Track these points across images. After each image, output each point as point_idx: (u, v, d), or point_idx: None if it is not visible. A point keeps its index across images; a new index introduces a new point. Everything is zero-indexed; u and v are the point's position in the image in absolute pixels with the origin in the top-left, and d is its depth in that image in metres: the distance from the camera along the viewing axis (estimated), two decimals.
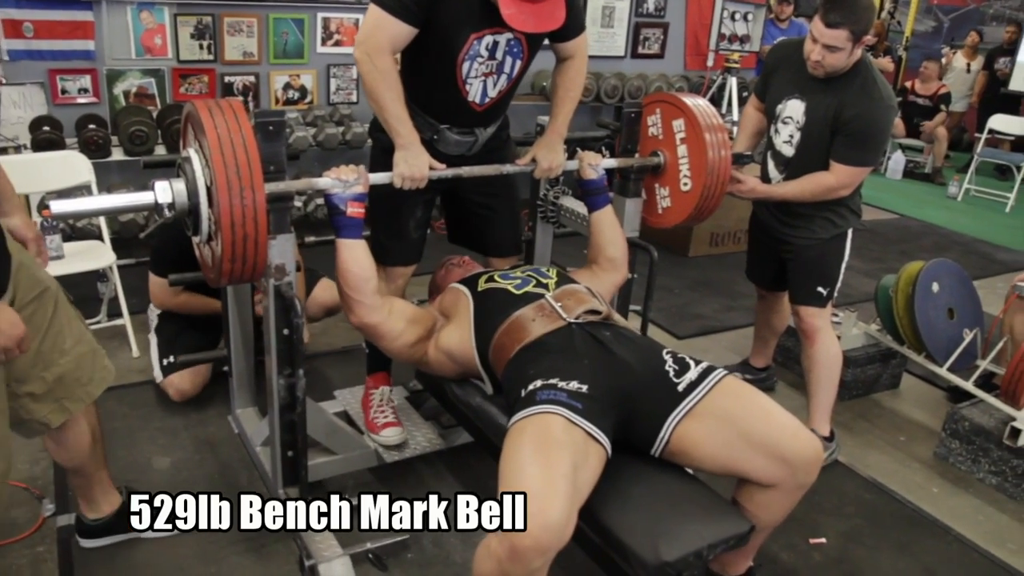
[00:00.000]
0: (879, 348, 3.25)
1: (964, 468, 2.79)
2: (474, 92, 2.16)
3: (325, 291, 3.00)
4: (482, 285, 2.08)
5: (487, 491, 2.38)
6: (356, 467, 2.38)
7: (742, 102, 5.50)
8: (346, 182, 1.93)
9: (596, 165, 2.31)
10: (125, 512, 2.13)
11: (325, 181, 1.93)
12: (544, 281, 2.05)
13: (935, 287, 3.02)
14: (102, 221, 3.31)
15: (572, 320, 1.90)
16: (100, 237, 3.27)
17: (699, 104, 2.35)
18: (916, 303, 2.96)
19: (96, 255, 3.14)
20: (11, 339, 1.55)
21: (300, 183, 1.94)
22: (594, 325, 1.91)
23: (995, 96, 8.16)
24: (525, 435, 1.59)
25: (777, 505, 1.78)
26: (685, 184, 2.39)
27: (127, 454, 2.52)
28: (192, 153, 1.72)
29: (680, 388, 1.76)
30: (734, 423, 1.71)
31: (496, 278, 2.09)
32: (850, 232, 2.69)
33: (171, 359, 2.75)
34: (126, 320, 3.12)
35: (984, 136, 7.29)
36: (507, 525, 1.45)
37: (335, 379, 2.94)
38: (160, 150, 3.87)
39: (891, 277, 3.15)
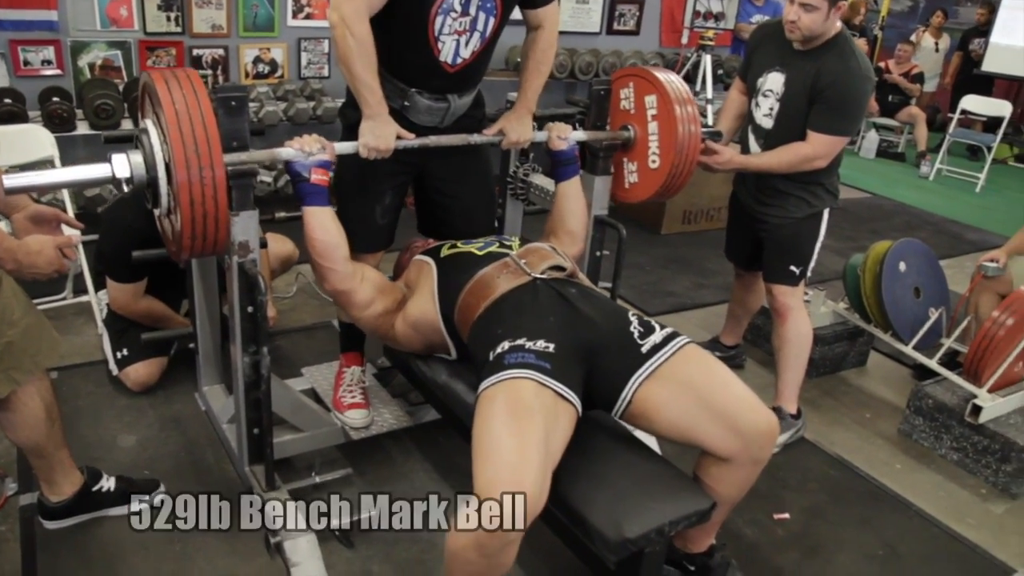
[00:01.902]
0: (847, 326, 3.28)
1: (927, 444, 2.84)
2: (446, 51, 2.09)
3: (276, 243, 2.96)
4: (445, 252, 2.09)
5: (455, 467, 2.41)
6: (323, 444, 2.37)
7: (716, 80, 5.49)
8: (308, 153, 1.90)
9: (566, 136, 2.30)
10: (87, 492, 2.11)
11: (288, 151, 1.91)
12: (507, 243, 2.06)
13: (902, 266, 3.05)
14: (66, 196, 3.25)
15: (537, 275, 1.90)
16: (64, 212, 3.21)
17: (672, 81, 2.33)
18: (883, 282, 2.99)
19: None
20: None
21: (262, 154, 1.90)
22: (559, 282, 1.91)
23: (968, 77, 8.23)
24: (496, 403, 1.60)
25: (735, 479, 1.79)
26: (653, 161, 2.38)
27: (92, 432, 2.49)
28: (150, 125, 1.67)
29: (644, 349, 1.76)
30: (695, 390, 1.72)
31: (459, 244, 2.10)
32: (826, 213, 2.69)
33: (124, 352, 2.70)
34: (91, 296, 3.07)
35: (957, 116, 7.35)
36: (483, 496, 1.46)
37: (303, 356, 2.92)
38: (127, 124, 3.80)
39: (859, 256, 3.18)
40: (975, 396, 2.69)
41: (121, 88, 3.93)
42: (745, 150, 2.75)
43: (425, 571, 2.05)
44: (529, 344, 1.69)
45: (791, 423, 2.73)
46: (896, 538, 2.35)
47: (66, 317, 3.15)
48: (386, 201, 2.31)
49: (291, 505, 2.15)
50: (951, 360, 3.05)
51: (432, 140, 2.16)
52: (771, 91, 2.60)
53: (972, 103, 7.29)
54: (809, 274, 2.74)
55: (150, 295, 2.71)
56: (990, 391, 2.69)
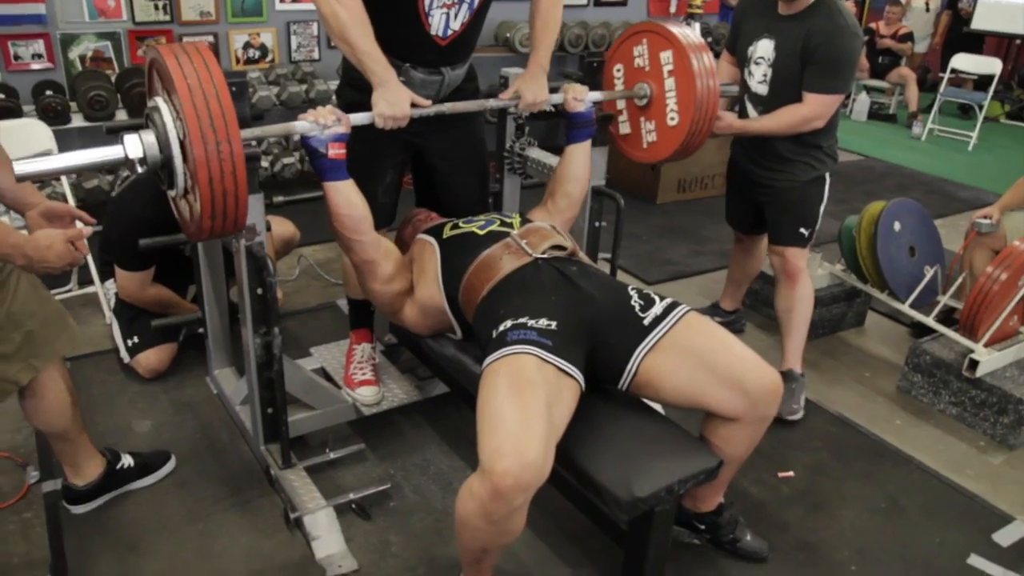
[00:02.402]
0: (844, 288, 3.32)
1: (926, 400, 2.89)
2: (436, 24, 2.12)
3: (278, 225, 2.98)
4: (447, 232, 2.11)
5: (464, 439, 2.46)
6: (335, 421, 2.42)
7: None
8: (324, 125, 1.88)
9: (583, 97, 2.28)
10: (112, 471, 2.18)
11: (303, 125, 1.87)
12: (508, 221, 2.09)
13: (897, 226, 3.09)
14: (67, 189, 3.28)
15: (538, 256, 1.93)
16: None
17: (687, 35, 2.28)
18: (878, 242, 3.03)
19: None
20: None
21: (277, 128, 1.89)
22: (560, 260, 1.95)
23: (958, 36, 8.23)
24: (499, 377, 1.63)
25: (741, 438, 1.84)
26: (672, 119, 2.35)
27: (107, 419, 2.54)
28: (160, 103, 1.61)
29: (646, 322, 1.81)
30: (698, 355, 1.77)
31: (460, 224, 2.12)
32: (828, 176, 2.73)
33: (135, 340, 2.73)
34: (97, 287, 3.11)
35: (947, 76, 7.36)
36: (487, 466, 1.50)
37: (310, 337, 2.96)
38: (121, 115, 3.81)
39: (854, 218, 3.22)
40: (972, 351, 2.74)
41: (113, 79, 3.93)
42: (743, 117, 2.78)
43: (441, 540, 2.10)
44: (532, 322, 1.72)
45: (802, 382, 2.78)
46: (898, 491, 2.41)
47: (73, 308, 3.17)
48: (387, 180, 2.36)
49: (308, 481, 2.21)
50: (947, 317, 3.10)
51: (448, 107, 2.15)
52: (763, 58, 2.63)
53: (962, 62, 7.30)
54: (815, 237, 2.78)
55: (158, 282, 2.74)
56: (986, 345, 2.74)
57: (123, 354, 2.76)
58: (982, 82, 7.55)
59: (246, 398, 2.33)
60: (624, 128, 2.52)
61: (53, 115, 3.62)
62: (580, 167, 2.32)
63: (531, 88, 2.24)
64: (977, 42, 8.16)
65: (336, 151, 1.90)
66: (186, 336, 2.86)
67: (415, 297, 2.11)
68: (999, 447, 2.67)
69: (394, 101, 1.99)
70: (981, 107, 7.16)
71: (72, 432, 2.04)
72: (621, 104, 2.50)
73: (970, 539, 2.23)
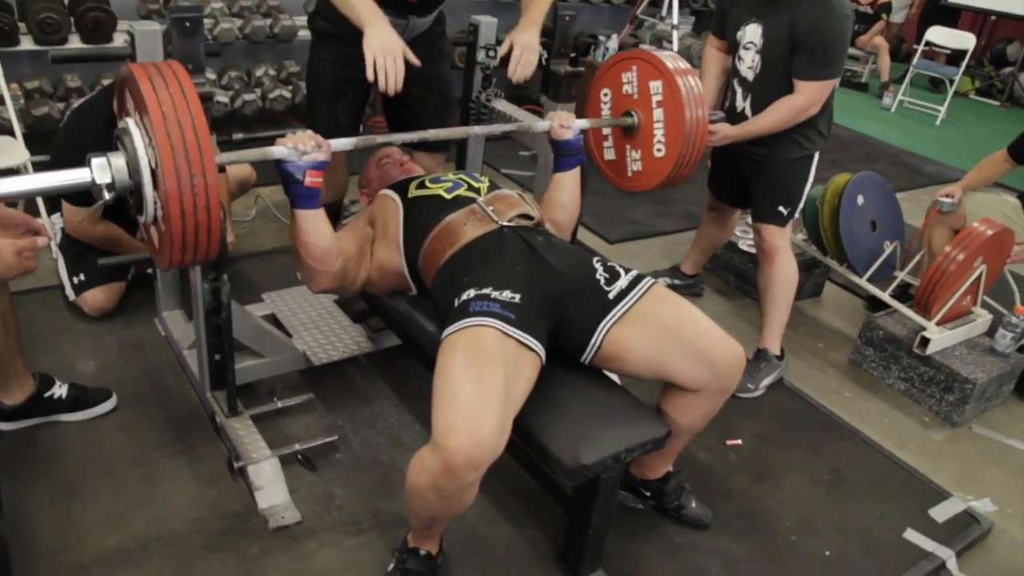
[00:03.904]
0: (804, 257, 3.33)
1: (876, 374, 2.93)
2: None
3: (233, 166, 2.91)
4: (412, 192, 2.05)
5: (415, 393, 2.44)
6: (285, 370, 2.38)
7: (683, 4, 5.42)
8: (303, 151, 1.72)
9: (569, 125, 2.15)
10: (39, 398, 2.16)
11: (280, 150, 1.72)
12: (476, 185, 2.03)
13: (860, 200, 3.10)
14: (12, 115, 3.14)
15: (504, 223, 1.89)
16: (12, 133, 3.11)
17: (680, 67, 2.19)
18: (841, 215, 3.04)
19: (8, 152, 2.98)
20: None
21: (252, 153, 1.74)
22: (526, 230, 1.90)
23: (935, 8, 8.21)
24: (458, 349, 1.59)
25: (699, 409, 1.85)
26: (659, 150, 2.26)
27: (50, 358, 2.47)
28: (131, 125, 1.48)
29: (611, 296, 1.79)
30: (664, 327, 1.76)
31: (427, 183, 2.05)
32: (816, 155, 2.69)
33: (81, 277, 2.64)
34: (44, 220, 3.00)
35: (921, 48, 7.36)
36: (440, 441, 1.47)
37: (264, 281, 2.90)
38: (74, 40, 3.64)
39: (819, 188, 3.21)
40: (924, 328, 2.78)
41: (66, 1, 3.75)
42: (732, 103, 2.72)
43: (387, 494, 2.09)
44: (495, 294, 1.68)
45: (775, 364, 2.77)
46: (842, 464, 2.45)
47: None
48: (347, 99, 2.48)
49: (253, 430, 2.17)
50: (903, 292, 3.13)
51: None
52: (752, 43, 2.56)
53: (937, 35, 7.30)
54: (797, 215, 2.75)
55: (106, 219, 2.65)
56: (939, 324, 2.77)
57: (68, 291, 2.68)
58: (955, 56, 7.56)
59: (194, 343, 2.28)
60: (609, 154, 2.43)
61: (0, 36, 3.45)
62: (569, 196, 2.20)
63: (520, 39, 2.25)
64: (953, 16, 8.16)
65: (313, 179, 1.76)
66: (135, 275, 2.79)
67: (377, 261, 2.05)
68: (942, 424, 2.72)
69: (388, 48, 2.03)
70: (952, 81, 7.19)
71: (3, 357, 2.01)
72: (607, 130, 2.40)
73: (907, 513, 2.27)
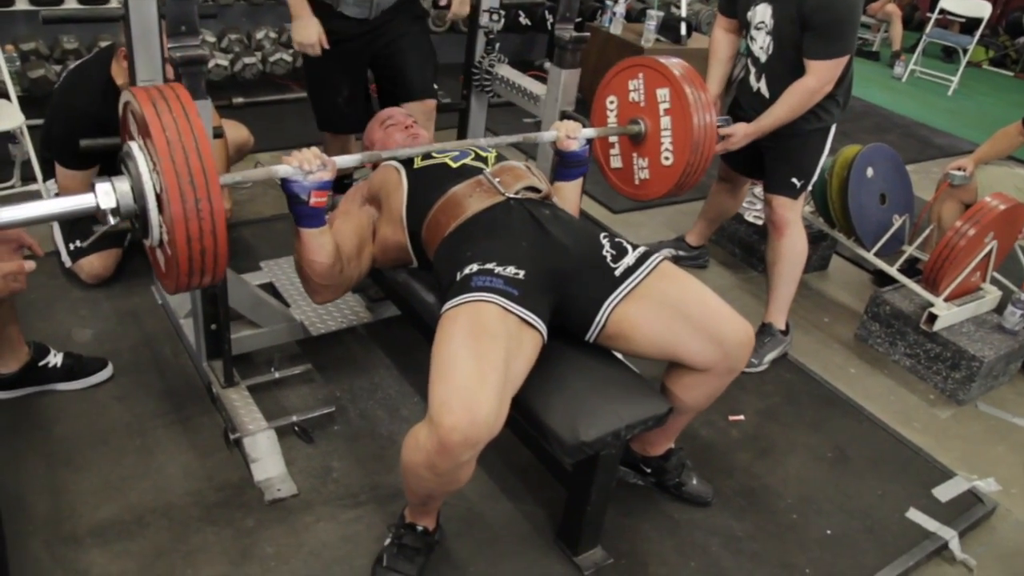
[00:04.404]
0: (811, 230, 3.26)
1: (882, 350, 2.89)
2: None
3: (231, 130, 2.89)
4: (418, 163, 1.98)
5: (414, 364, 2.41)
6: (282, 340, 2.35)
7: None
8: (308, 171, 1.67)
9: (576, 135, 2.07)
10: (33, 366, 2.13)
11: (286, 169, 1.68)
12: (483, 155, 1.98)
13: (870, 172, 3.04)
14: (7, 78, 3.08)
15: (511, 195, 1.84)
16: (7, 96, 3.05)
17: (686, 74, 2.13)
18: (850, 188, 2.98)
19: (4, 116, 2.93)
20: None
21: (258, 173, 1.72)
22: (532, 203, 1.85)
23: None
24: (457, 324, 1.56)
25: (705, 388, 1.81)
26: (667, 159, 2.21)
27: (46, 325, 2.44)
28: (135, 149, 1.45)
29: (617, 273, 1.74)
30: (673, 305, 1.72)
31: (433, 153, 1.99)
32: (833, 128, 2.63)
33: (77, 244, 2.59)
34: (40, 185, 2.96)
35: (935, 16, 7.22)
36: (435, 418, 1.44)
37: (262, 249, 2.87)
38: (71, 2, 3.58)
39: (827, 160, 3.14)
40: (931, 304, 2.73)
41: None
42: (746, 84, 2.66)
43: (384, 467, 2.07)
44: (499, 269, 1.64)
45: (779, 339, 2.73)
46: (845, 441, 2.42)
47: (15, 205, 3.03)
48: (344, 93, 2.70)
49: (250, 401, 2.15)
50: (911, 267, 3.08)
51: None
52: (762, 23, 2.49)
53: (951, 3, 7.16)
54: (810, 188, 2.69)
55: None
56: (947, 300, 2.73)
57: (64, 258, 2.64)
58: (969, 25, 7.42)
59: (190, 311, 2.25)
60: (616, 162, 2.36)
61: None
62: (571, 205, 2.13)
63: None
64: None
65: (317, 199, 1.71)
66: (132, 241, 2.75)
67: (379, 239, 2.00)
68: (948, 401, 2.69)
69: (302, 40, 2.50)
70: (965, 51, 7.07)
71: None
72: (614, 137, 2.34)
73: (910, 492, 2.25)
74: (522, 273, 1.65)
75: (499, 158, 2.00)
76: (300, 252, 1.80)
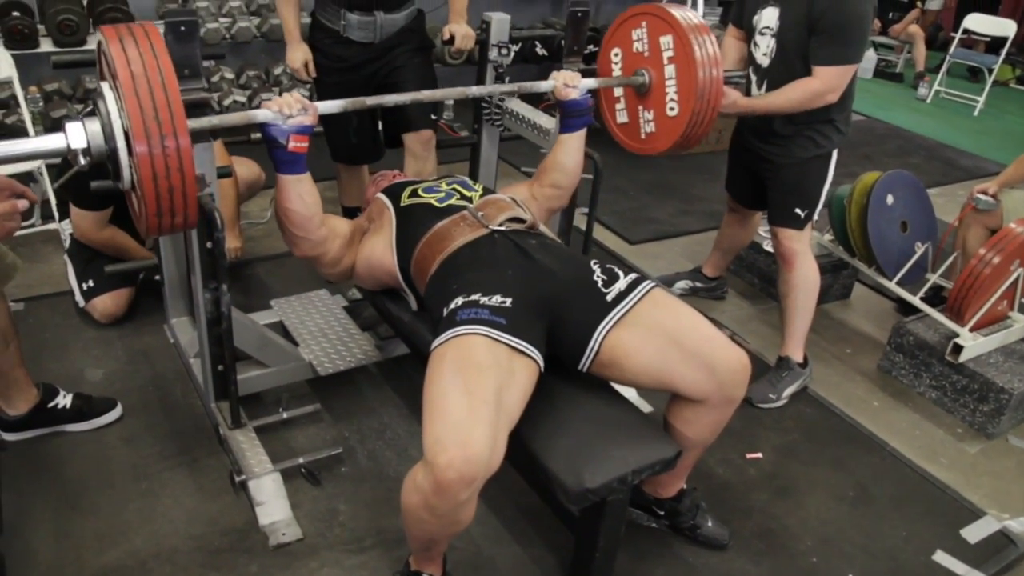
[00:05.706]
0: (831, 259, 3.22)
1: (906, 382, 2.81)
2: None
3: (241, 167, 2.90)
4: (405, 200, 2.01)
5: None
6: (290, 380, 2.33)
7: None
8: (287, 115, 1.70)
9: (575, 84, 2.09)
10: (42, 408, 2.13)
11: (264, 113, 1.70)
12: (468, 194, 1.99)
13: (889, 199, 2.97)
14: (28, 119, 3.13)
15: (494, 228, 1.84)
16: (26, 135, 3.09)
17: (690, 19, 2.11)
18: (869, 215, 2.91)
19: None
20: None
21: (235, 116, 1.74)
22: (518, 233, 1.85)
23: None
24: (445, 361, 1.53)
25: (708, 421, 1.76)
26: (672, 109, 2.18)
27: (58, 366, 2.45)
28: (106, 89, 1.46)
29: (609, 298, 1.71)
30: (665, 333, 1.68)
31: (420, 192, 2.02)
32: (835, 154, 2.57)
33: (90, 283, 2.62)
34: (58, 224, 2.99)
35: (959, 36, 7.13)
36: (430, 457, 1.41)
37: (274, 286, 2.86)
38: (94, 40, 3.63)
39: (846, 187, 3.09)
40: (957, 335, 2.66)
41: (85, 2, 3.74)
42: (747, 92, 2.61)
43: (392, 510, 2.03)
44: (484, 299, 1.62)
45: (798, 372, 2.66)
46: (868, 479, 2.34)
47: (33, 244, 3.07)
48: (353, 123, 2.81)
49: (256, 443, 2.13)
50: (935, 295, 3.00)
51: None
52: (768, 28, 2.45)
53: (975, 22, 7.05)
54: (816, 217, 2.63)
55: (114, 225, 2.62)
56: (972, 330, 2.65)
57: (78, 298, 2.66)
58: (995, 44, 7.31)
59: (199, 351, 2.24)
60: (621, 117, 2.34)
61: (19, 39, 3.44)
62: (572, 159, 2.15)
63: (452, 27, 2.61)
64: (994, 2, 7.90)
65: (297, 144, 1.73)
66: (144, 280, 2.76)
67: (362, 249, 2.05)
68: (976, 435, 2.60)
69: (290, 56, 2.70)
70: (991, 70, 6.96)
71: (3, 367, 1.99)
72: (619, 91, 2.32)
73: (937, 534, 2.17)
74: (508, 301, 1.62)
75: (485, 193, 2.00)
76: (279, 200, 1.86)
